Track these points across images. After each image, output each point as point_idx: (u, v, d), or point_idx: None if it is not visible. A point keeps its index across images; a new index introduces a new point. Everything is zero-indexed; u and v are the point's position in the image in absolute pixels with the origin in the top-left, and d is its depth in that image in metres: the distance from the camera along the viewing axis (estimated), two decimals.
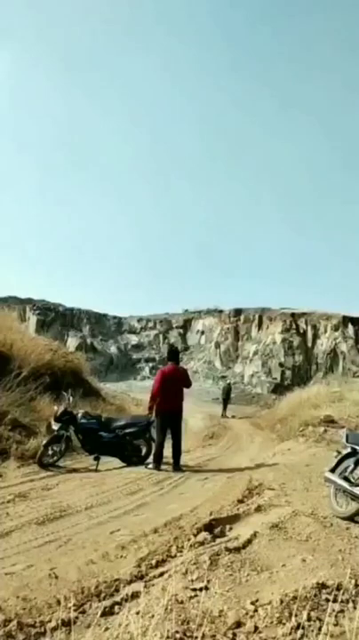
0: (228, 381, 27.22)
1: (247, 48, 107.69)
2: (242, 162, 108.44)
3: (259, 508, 5.22)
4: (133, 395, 24.97)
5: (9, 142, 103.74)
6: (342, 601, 2.88)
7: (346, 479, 5.09)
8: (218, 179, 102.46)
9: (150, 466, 8.34)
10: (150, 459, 8.62)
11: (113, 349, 45.87)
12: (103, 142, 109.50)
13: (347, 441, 5.43)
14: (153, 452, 8.64)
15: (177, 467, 8.47)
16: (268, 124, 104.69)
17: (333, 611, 2.73)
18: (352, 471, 5.13)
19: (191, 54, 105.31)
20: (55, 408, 9.04)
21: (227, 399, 23.93)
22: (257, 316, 45.00)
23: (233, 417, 22.80)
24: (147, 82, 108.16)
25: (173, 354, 9.49)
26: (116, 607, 3.02)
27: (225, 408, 23.48)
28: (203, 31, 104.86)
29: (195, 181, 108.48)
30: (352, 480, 5.05)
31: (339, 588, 3.01)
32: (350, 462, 5.22)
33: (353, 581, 3.12)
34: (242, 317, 45.66)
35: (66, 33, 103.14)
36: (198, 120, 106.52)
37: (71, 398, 9.64)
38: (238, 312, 45.75)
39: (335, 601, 2.83)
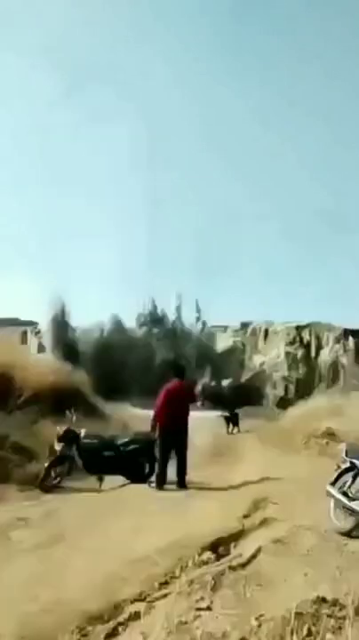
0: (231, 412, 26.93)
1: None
2: (242, 162, 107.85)
3: (262, 523, 5.24)
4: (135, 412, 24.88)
5: None
6: (340, 617, 2.90)
7: (344, 494, 5.08)
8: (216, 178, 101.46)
9: (153, 485, 8.26)
10: (153, 477, 8.56)
11: None
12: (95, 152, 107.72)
13: (346, 455, 5.44)
14: (156, 471, 8.48)
15: (182, 484, 8.27)
16: (270, 122, 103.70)
17: (332, 626, 2.74)
18: (350, 486, 5.12)
19: (190, 51, 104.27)
20: (58, 429, 9.04)
21: (233, 420, 23.12)
22: (263, 329, 45.38)
23: (238, 432, 22.41)
24: (145, 76, 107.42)
25: (178, 370, 9.22)
26: (120, 628, 3.04)
27: (233, 423, 22.69)
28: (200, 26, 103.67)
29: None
30: (350, 495, 5.03)
31: (336, 604, 3.02)
32: (348, 477, 5.21)
33: (350, 597, 3.13)
34: (248, 330, 46.19)
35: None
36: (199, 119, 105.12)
37: (74, 417, 9.64)
38: (244, 325, 46.35)
39: (334, 616, 2.85)
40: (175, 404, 8.36)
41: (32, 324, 46.76)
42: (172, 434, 8.38)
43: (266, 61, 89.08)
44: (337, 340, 43.83)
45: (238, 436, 20.44)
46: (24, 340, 39.92)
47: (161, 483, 8.18)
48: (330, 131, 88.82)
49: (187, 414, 8.54)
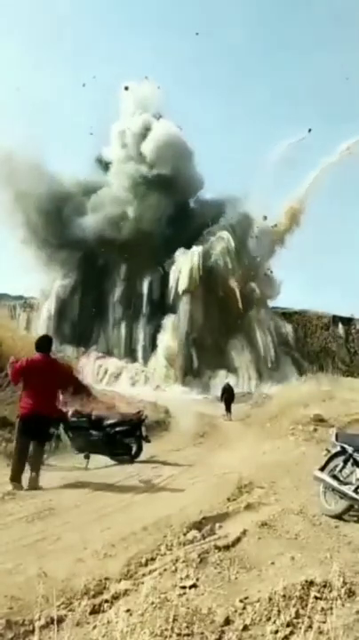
0: (227, 381, 26.59)
1: None
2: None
3: (248, 507, 5.26)
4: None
5: None
6: (330, 599, 2.91)
7: (335, 477, 5.13)
8: None
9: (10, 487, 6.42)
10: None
11: None
12: None
13: (336, 440, 5.47)
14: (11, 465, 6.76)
15: (35, 482, 6.57)
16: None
17: (321, 608, 2.75)
18: (341, 470, 5.17)
19: None
20: None
21: (229, 400, 22.05)
22: None
23: (229, 420, 21.55)
24: None
25: (43, 342, 7.18)
26: (105, 605, 3.03)
27: (228, 409, 21.58)
28: None
29: None
30: (341, 478, 5.09)
31: (326, 585, 3.03)
32: (339, 461, 5.26)
33: (341, 579, 3.15)
34: None
35: None
36: None
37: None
38: None
39: (323, 599, 2.86)
40: (37, 382, 6.75)
41: (21, 298, 46.60)
42: (33, 420, 6.72)
43: None
44: (326, 327, 44.09)
45: (224, 421, 20.52)
46: (12, 315, 39.70)
47: (15, 478, 6.54)
48: None
49: (54, 399, 7.10)
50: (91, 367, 37.54)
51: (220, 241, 43.65)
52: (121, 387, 33.95)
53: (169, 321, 42.48)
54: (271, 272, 45.46)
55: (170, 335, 41.60)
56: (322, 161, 44.46)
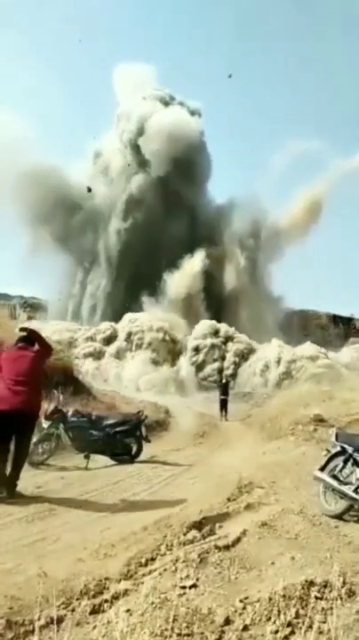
0: (224, 379, 26.48)
1: None
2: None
3: (248, 507, 5.25)
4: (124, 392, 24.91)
5: None
6: (330, 599, 2.91)
7: (335, 477, 5.13)
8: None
9: None
10: None
11: None
12: None
13: (336, 440, 5.47)
14: None
15: (11, 492, 5.88)
16: None
17: (322, 608, 2.75)
18: (341, 470, 5.17)
19: None
20: (45, 406, 9.01)
21: (225, 398, 21.47)
22: None
23: (226, 419, 21.29)
24: None
25: (23, 338, 6.55)
26: (105, 605, 3.03)
27: (224, 409, 21.01)
28: None
29: None
30: (341, 478, 5.09)
31: (326, 585, 3.03)
32: (339, 461, 5.26)
33: (341, 579, 3.15)
34: None
35: None
36: None
37: (61, 396, 9.61)
38: None
39: (323, 599, 2.86)
40: (13, 375, 6.01)
41: (21, 298, 46.68)
42: (9, 417, 5.85)
43: None
44: (326, 327, 44.07)
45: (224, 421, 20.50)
46: (12, 315, 39.72)
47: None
48: None
49: (34, 392, 6.14)
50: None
51: (231, 257, 43.78)
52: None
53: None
54: None
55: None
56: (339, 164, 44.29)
